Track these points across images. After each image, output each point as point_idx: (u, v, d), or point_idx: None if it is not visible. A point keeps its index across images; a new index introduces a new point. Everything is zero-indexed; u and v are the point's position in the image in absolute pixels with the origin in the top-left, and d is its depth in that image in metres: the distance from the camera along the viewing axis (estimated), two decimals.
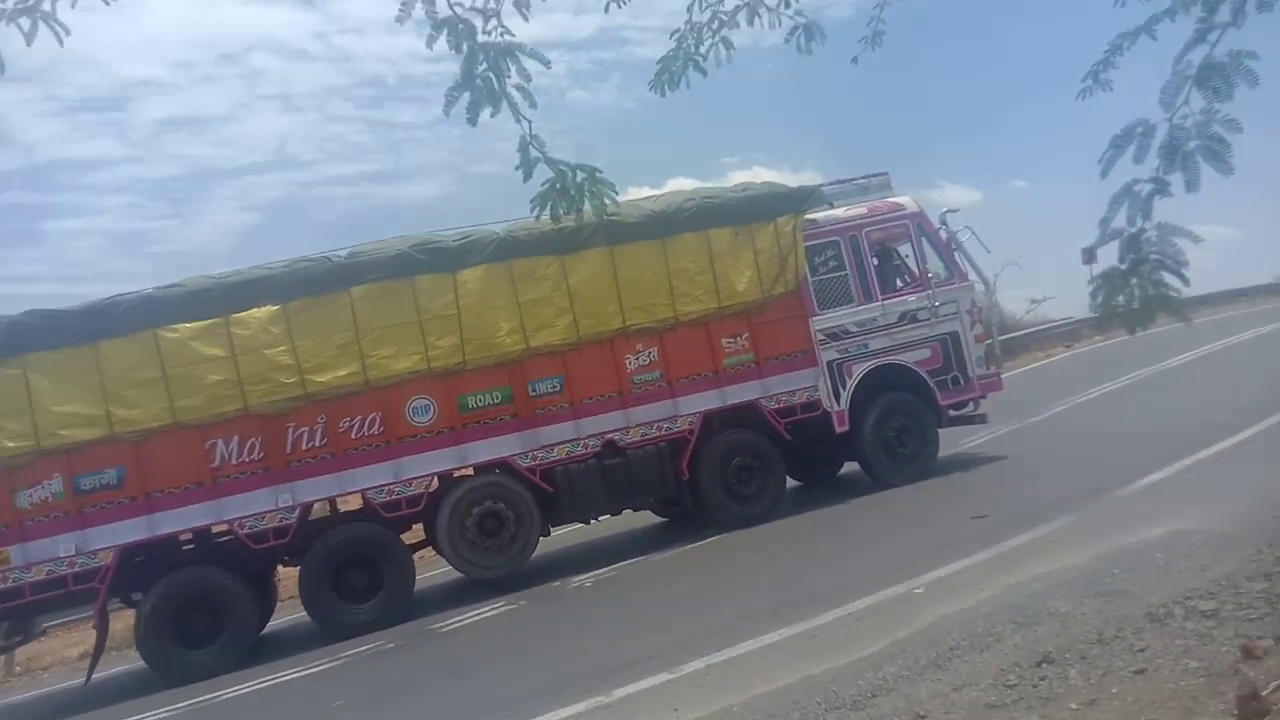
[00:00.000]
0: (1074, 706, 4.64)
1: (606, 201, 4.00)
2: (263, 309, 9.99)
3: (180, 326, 9.77)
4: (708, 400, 11.27)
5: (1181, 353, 18.08)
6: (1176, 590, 5.95)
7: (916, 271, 12.30)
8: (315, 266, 10.31)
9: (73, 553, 9.33)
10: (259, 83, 61.19)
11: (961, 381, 12.14)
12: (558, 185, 3.85)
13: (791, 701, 5.47)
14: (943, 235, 12.48)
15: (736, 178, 45.19)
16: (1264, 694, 4.27)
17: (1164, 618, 5.53)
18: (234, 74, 58.29)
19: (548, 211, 3.92)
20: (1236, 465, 9.51)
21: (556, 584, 10.39)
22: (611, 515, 11.72)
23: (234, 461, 9.84)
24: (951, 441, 12.90)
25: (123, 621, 11.06)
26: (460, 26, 3.54)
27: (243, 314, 9.93)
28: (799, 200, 11.87)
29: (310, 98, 65.90)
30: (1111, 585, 6.38)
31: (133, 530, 9.51)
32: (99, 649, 10.05)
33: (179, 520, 9.71)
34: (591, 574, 10.46)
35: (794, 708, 5.35)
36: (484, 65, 3.62)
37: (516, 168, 3.78)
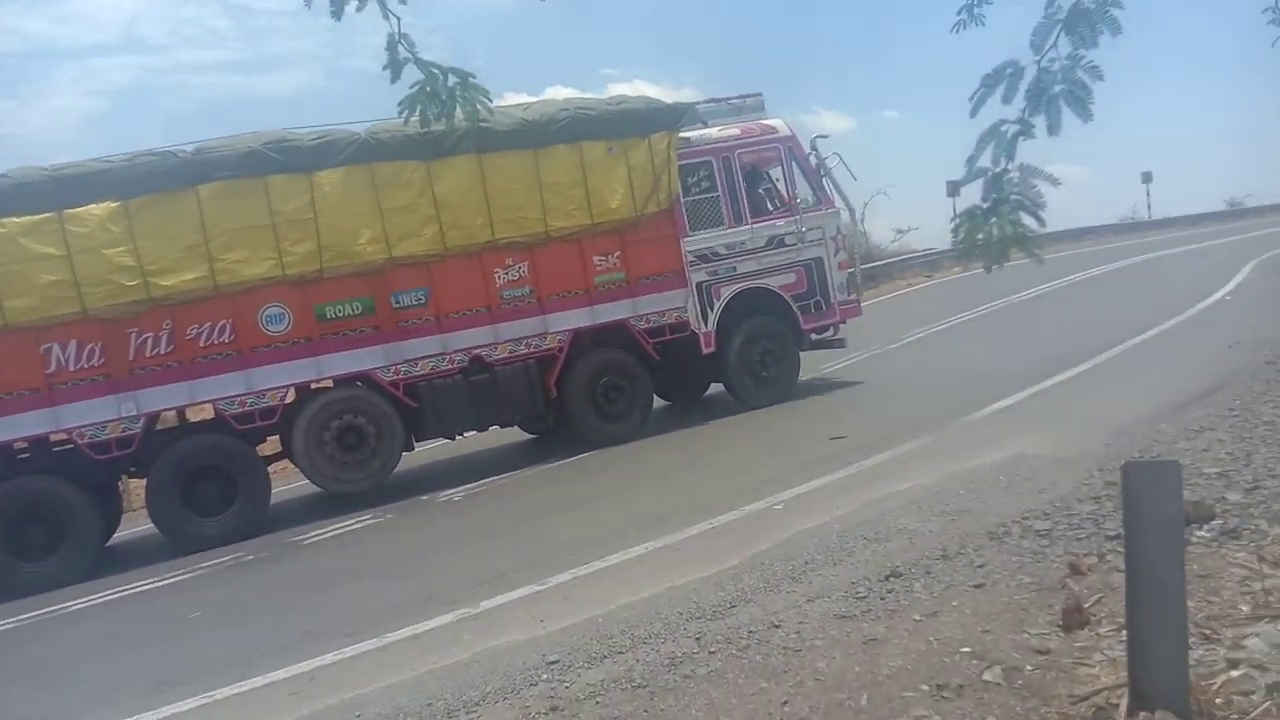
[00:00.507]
0: (917, 618, 4.90)
1: (479, 108, 3.81)
2: (101, 205, 9.28)
3: (8, 221, 8.99)
4: (578, 318, 11.21)
5: (1033, 287, 19.06)
6: (1016, 510, 6.35)
7: (786, 196, 12.43)
8: (159, 162, 9.59)
9: None
10: None
11: (824, 306, 12.45)
12: (427, 88, 3.64)
13: (654, 612, 5.60)
14: (812, 161, 12.63)
15: (616, 90, 44.45)
16: (1085, 606, 4.61)
17: (1003, 536, 5.90)
18: None
19: (416, 115, 3.72)
20: (1077, 395, 10.18)
21: (425, 498, 10.30)
22: (478, 432, 11.64)
23: (72, 368, 9.25)
24: (813, 366, 13.31)
25: None
26: None
27: (79, 210, 9.20)
28: (674, 117, 11.74)
29: None
30: (957, 505, 6.76)
31: None
32: None
33: (12, 428, 9.10)
34: (460, 489, 10.40)
35: (656, 617, 5.48)
36: None
37: (384, 68, 3.56)
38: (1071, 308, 17.87)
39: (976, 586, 5.19)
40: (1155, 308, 14.88)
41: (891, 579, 5.46)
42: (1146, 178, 42.18)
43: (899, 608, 5.07)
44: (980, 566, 5.45)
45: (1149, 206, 42.35)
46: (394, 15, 3.44)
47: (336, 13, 3.43)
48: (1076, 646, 4.31)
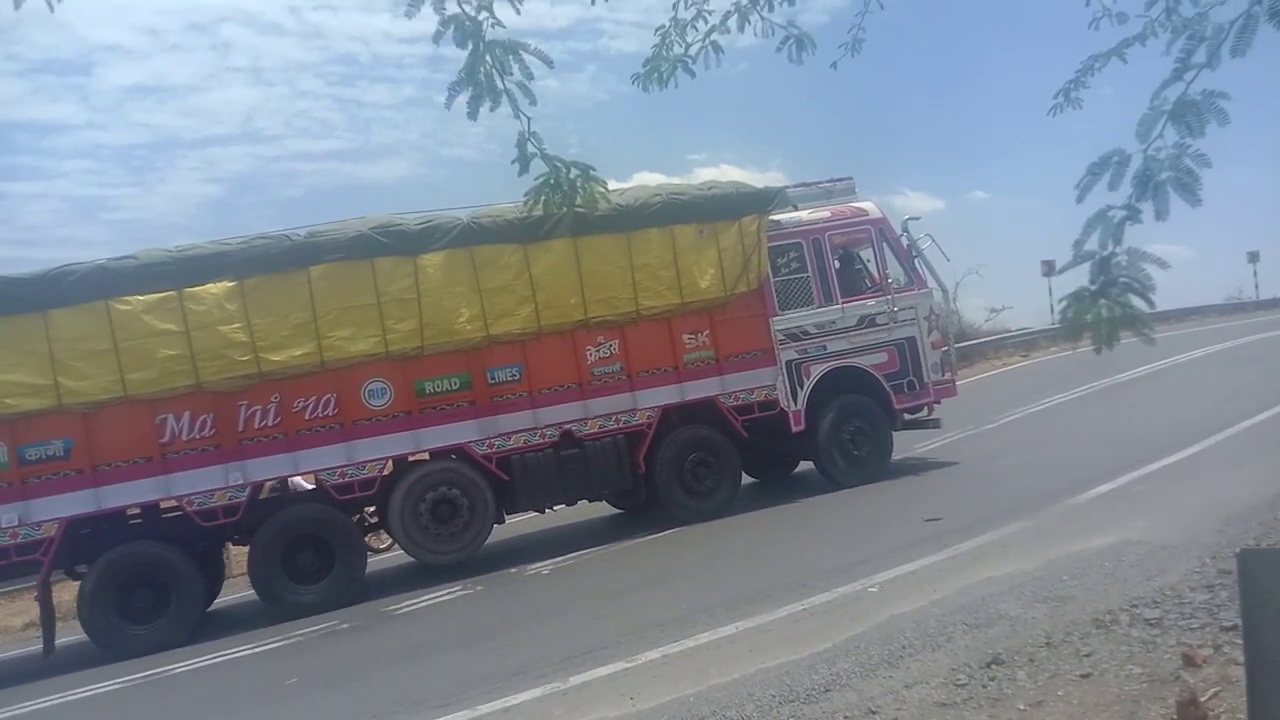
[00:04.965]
0: (1021, 707, 4.75)
1: (598, 197, 4.05)
2: (218, 285, 9.82)
3: (133, 299, 9.56)
4: (667, 395, 11.31)
5: (1134, 367, 18.45)
6: (1123, 598, 6.11)
7: (877, 276, 12.44)
8: (273, 244, 10.14)
9: (15, 523, 9.14)
10: (229, 54, 59.95)
11: (917, 386, 12.31)
12: (551, 180, 3.87)
13: (746, 693, 5.52)
14: (904, 242, 12.63)
15: (703, 175, 45.40)
16: (1202, 700, 4.40)
17: (1110, 624, 5.68)
18: (204, 45, 57.04)
19: (541, 205, 3.97)
20: (1184, 479, 9.74)
21: (514, 570, 10.38)
22: (567, 505, 11.73)
23: (184, 437, 9.68)
24: (906, 445, 13.09)
25: (70, 592, 10.83)
26: (467, 24, 3.52)
27: (198, 289, 9.75)
28: (764, 201, 11.93)
29: (280, 72, 64.69)
30: (1060, 591, 6.53)
31: (78, 503, 9.34)
32: (47, 621, 9.75)
33: (126, 495, 9.54)
34: (549, 562, 10.48)
35: (749, 699, 5.40)
36: (488, 61, 3.61)
37: (513, 161, 3.80)
38: (1176, 389, 17.23)
39: (1083, 676, 5.00)
40: (1265, 390, 14.24)
41: (993, 666, 5.29)
42: (1253, 257, 40.86)
43: (1002, 696, 4.91)
44: (1087, 656, 5.25)
45: (1256, 286, 40.90)
46: (524, 115, 3.69)
47: (473, 114, 3.69)
48: None
